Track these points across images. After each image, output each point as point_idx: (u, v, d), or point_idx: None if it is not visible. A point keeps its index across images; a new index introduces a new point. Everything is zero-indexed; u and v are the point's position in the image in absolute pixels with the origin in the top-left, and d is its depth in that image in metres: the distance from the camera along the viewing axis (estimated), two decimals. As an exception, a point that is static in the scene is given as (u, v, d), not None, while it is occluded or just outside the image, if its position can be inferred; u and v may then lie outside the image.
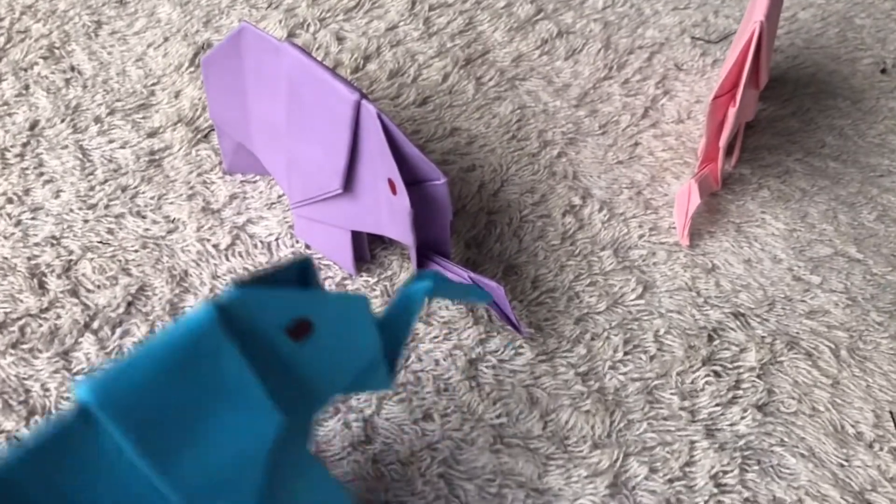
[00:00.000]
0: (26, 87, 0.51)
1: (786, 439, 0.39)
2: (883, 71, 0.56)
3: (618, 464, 0.38)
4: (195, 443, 0.26)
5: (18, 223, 0.44)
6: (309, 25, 0.55)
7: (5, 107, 0.50)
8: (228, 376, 0.25)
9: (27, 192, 0.46)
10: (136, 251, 0.43)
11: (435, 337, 0.41)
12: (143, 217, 0.45)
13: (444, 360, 0.41)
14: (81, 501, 0.26)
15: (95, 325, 0.40)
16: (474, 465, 0.37)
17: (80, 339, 0.40)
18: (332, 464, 0.37)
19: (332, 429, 0.38)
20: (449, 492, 0.37)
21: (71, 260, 0.43)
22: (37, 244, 0.43)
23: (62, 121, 0.49)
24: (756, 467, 0.38)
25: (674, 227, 0.47)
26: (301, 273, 0.29)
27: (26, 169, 0.47)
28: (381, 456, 0.38)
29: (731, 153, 0.50)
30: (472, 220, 0.46)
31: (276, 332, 0.26)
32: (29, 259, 0.43)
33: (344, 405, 0.39)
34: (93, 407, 0.24)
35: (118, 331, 0.40)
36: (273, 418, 0.27)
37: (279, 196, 0.46)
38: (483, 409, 0.39)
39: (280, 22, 0.55)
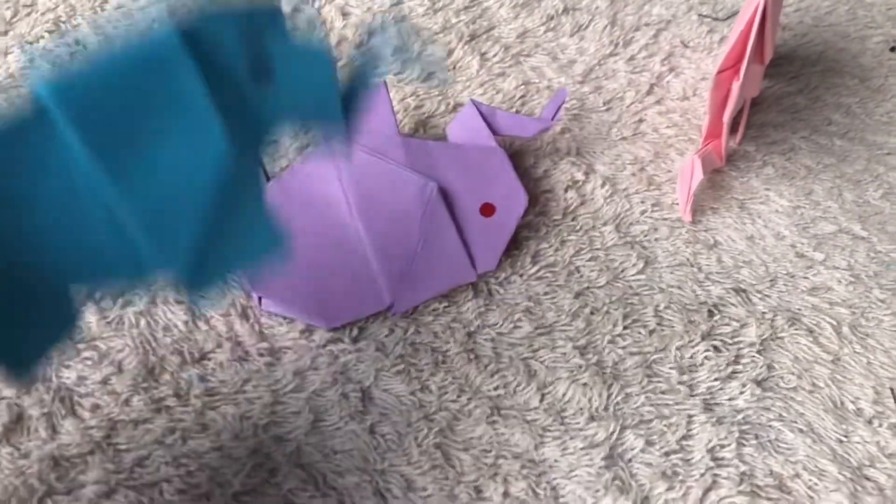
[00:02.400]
0: (31, 62, 0.51)
1: (784, 414, 0.39)
2: (893, 49, 0.56)
3: (614, 436, 0.38)
4: (147, 159, 0.26)
5: (22, 194, 0.44)
6: (314, 1, 0.55)
7: (11, 80, 0.50)
8: (185, 98, 0.26)
9: (31, 163, 0.46)
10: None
11: (434, 309, 0.42)
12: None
13: (443, 332, 0.41)
14: (23, 200, 0.26)
15: (97, 295, 0.41)
16: (470, 435, 0.38)
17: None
18: (329, 433, 0.37)
19: (330, 399, 0.38)
20: (445, 461, 0.37)
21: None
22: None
23: (67, 94, 0.49)
24: (754, 441, 0.38)
25: (676, 204, 0.46)
26: (272, 20, 0.28)
27: (31, 141, 0.47)
28: (378, 426, 0.38)
29: (736, 130, 0.49)
30: (473, 194, 0.46)
31: (237, 65, 0.27)
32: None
33: (342, 376, 0.39)
34: (48, 103, 0.24)
35: (119, 301, 0.41)
36: (220, 144, 0.27)
37: (282, 169, 0.46)
38: (480, 381, 0.39)
39: (285, -3, 0.55)
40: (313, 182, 0.42)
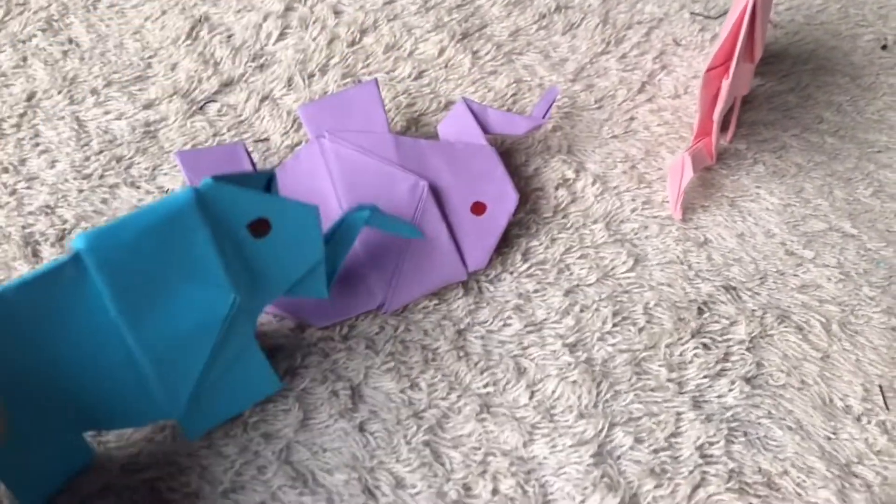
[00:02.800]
0: (24, 59, 0.51)
1: (773, 412, 0.39)
2: (884, 47, 0.56)
3: (603, 433, 0.38)
4: (163, 306, 0.31)
5: (13, 192, 0.45)
6: (306, -1, 0.55)
7: (3, 78, 0.50)
8: (198, 254, 0.31)
9: (23, 161, 0.46)
10: (130, 221, 0.44)
11: (424, 307, 0.42)
12: (137, 187, 0.45)
13: (433, 330, 0.41)
14: (58, 341, 0.31)
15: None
16: (460, 433, 0.38)
17: (73, 307, 0.40)
18: (319, 431, 0.37)
19: (320, 397, 0.38)
20: (434, 459, 0.37)
21: (65, 229, 0.43)
22: (31, 213, 0.44)
23: (59, 92, 0.49)
24: (742, 439, 0.38)
25: (667, 202, 0.46)
26: (267, 183, 0.34)
27: (22, 139, 0.47)
28: (368, 424, 0.38)
29: (726, 128, 0.50)
30: (464, 192, 0.46)
31: (241, 226, 0.32)
32: (23, 227, 0.43)
33: (332, 373, 0.39)
34: (83, 252, 0.29)
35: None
36: (229, 297, 0.32)
37: (272, 168, 0.46)
38: (470, 379, 0.39)
39: (278, -5, 0.55)
40: (303, 179, 0.42)
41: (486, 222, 0.43)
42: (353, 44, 0.53)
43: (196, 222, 0.30)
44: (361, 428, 0.38)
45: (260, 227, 0.33)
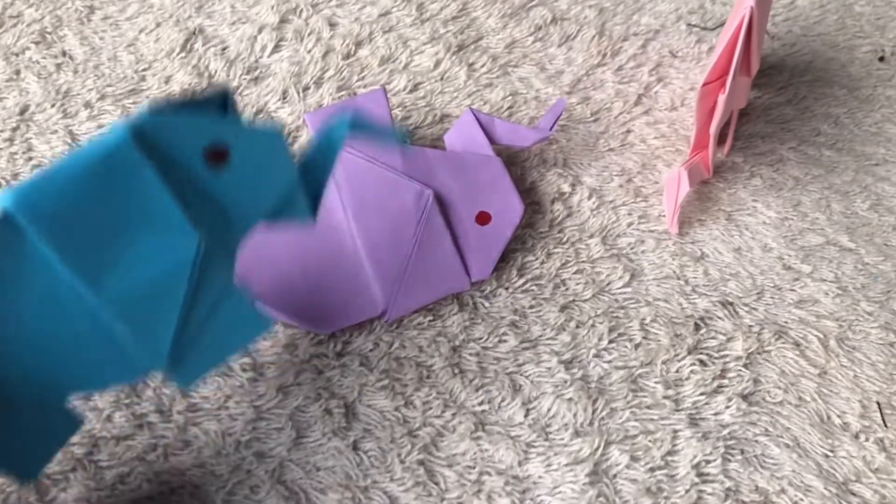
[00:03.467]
0: (17, 72, 0.51)
1: (770, 429, 0.39)
2: (881, 59, 0.56)
3: (599, 452, 0.37)
4: (120, 258, 0.28)
5: (5, 207, 0.44)
6: (301, 11, 0.55)
7: None
8: (147, 197, 0.27)
9: (15, 176, 0.46)
10: (123, 236, 0.43)
11: (419, 324, 0.41)
12: (131, 202, 0.45)
13: (428, 346, 0.40)
14: (11, 312, 0.28)
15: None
16: (454, 452, 0.37)
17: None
18: (312, 450, 0.37)
19: (313, 415, 0.38)
20: (428, 478, 0.36)
21: (57, 244, 0.43)
22: (23, 228, 0.43)
23: (52, 106, 0.49)
24: (739, 457, 0.38)
25: (663, 216, 0.46)
26: (222, 103, 0.30)
27: (15, 153, 0.47)
28: (362, 442, 0.37)
29: (723, 141, 0.49)
30: (459, 206, 0.46)
31: (193, 157, 0.27)
32: (15, 243, 0.43)
33: (326, 391, 0.39)
34: (12, 211, 0.25)
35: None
36: (192, 239, 0.28)
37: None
38: (465, 397, 0.39)
39: (273, 7, 0.55)
40: None
41: (490, 233, 0.43)
42: (348, 56, 0.53)
43: (136, 160, 0.26)
44: (355, 446, 0.37)
45: (218, 156, 0.29)
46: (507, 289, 0.43)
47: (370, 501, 0.36)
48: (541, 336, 0.41)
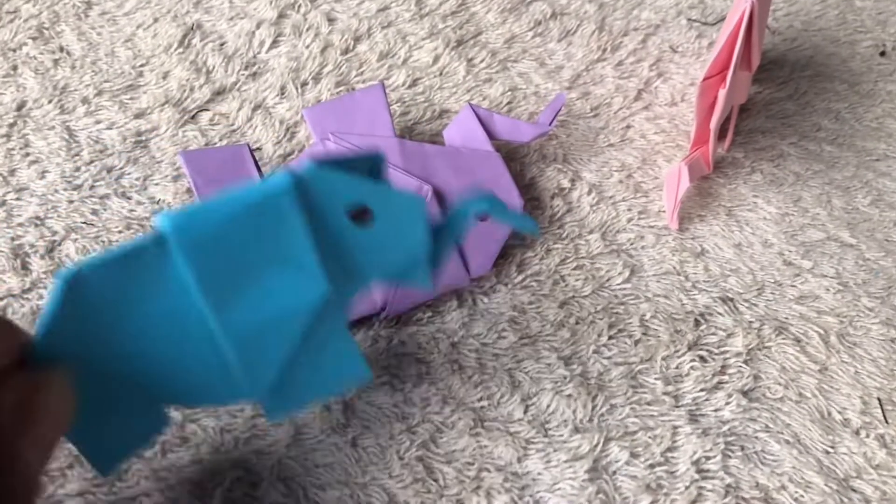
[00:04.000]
0: (14, 68, 0.51)
1: (771, 425, 0.39)
2: (882, 54, 0.55)
3: (598, 448, 0.37)
4: (250, 292, 0.29)
5: (3, 203, 0.44)
6: (300, 6, 0.55)
7: (-8, 87, 0.50)
8: (291, 240, 0.29)
9: (12, 172, 0.45)
10: (120, 232, 0.43)
11: (418, 320, 0.41)
12: (128, 198, 0.45)
13: (427, 343, 0.40)
14: (138, 321, 0.29)
15: (77, 305, 0.40)
16: (453, 448, 0.37)
17: (62, 320, 0.40)
18: (311, 446, 0.37)
19: (312, 411, 0.38)
20: (427, 475, 0.36)
21: (54, 241, 0.43)
22: (20, 224, 0.43)
23: (49, 101, 0.49)
24: (739, 453, 0.38)
25: (663, 211, 0.46)
26: (372, 166, 0.32)
27: (12, 149, 0.46)
28: (360, 439, 0.37)
29: (724, 136, 0.49)
30: (458, 202, 0.45)
31: (340, 212, 0.29)
32: (12, 239, 0.43)
33: (324, 388, 0.39)
34: (167, 234, 0.27)
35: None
36: (320, 286, 0.30)
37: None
38: (464, 393, 0.39)
39: (271, 3, 0.55)
40: None
41: (489, 228, 0.43)
42: (346, 51, 0.53)
43: (291, 208, 0.28)
44: (354, 443, 0.37)
45: (362, 215, 0.30)
46: (506, 285, 0.43)
47: (369, 498, 0.36)
48: (540, 332, 0.41)
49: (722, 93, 0.43)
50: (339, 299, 0.32)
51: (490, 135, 0.45)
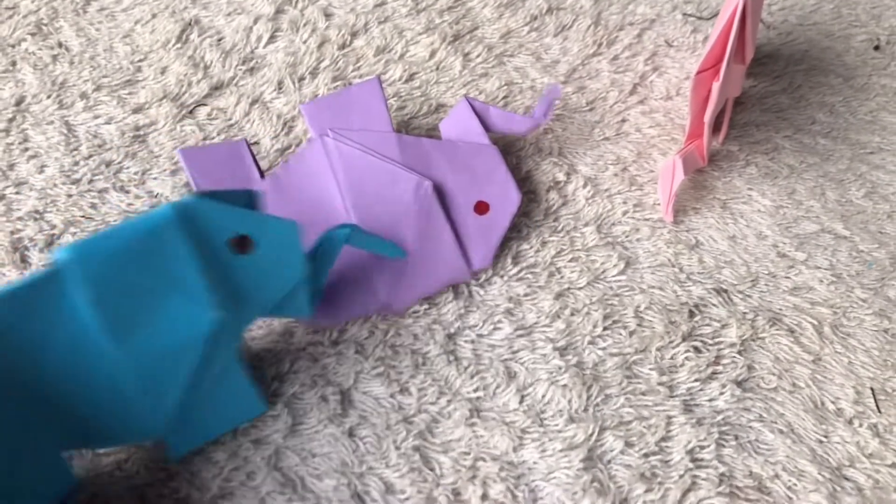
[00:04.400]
0: (13, 64, 0.51)
1: (764, 415, 0.39)
2: (877, 48, 0.56)
3: (593, 438, 0.38)
4: (145, 321, 0.31)
5: (2, 197, 0.44)
6: (297, 2, 0.55)
7: (-9, 82, 0.50)
8: (180, 269, 0.31)
9: (11, 166, 0.46)
10: (119, 226, 0.44)
11: (414, 312, 0.41)
12: (127, 192, 0.45)
13: (423, 334, 0.41)
14: (36, 359, 0.30)
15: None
16: (449, 438, 0.37)
17: (61, 313, 0.40)
18: (308, 436, 0.37)
19: (309, 402, 0.38)
20: (423, 464, 0.37)
21: (53, 234, 0.43)
22: (20, 218, 0.44)
23: (48, 97, 0.49)
24: (733, 442, 0.38)
25: (658, 204, 0.46)
26: (248, 200, 0.34)
27: (11, 144, 0.47)
28: (357, 429, 0.38)
29: (718, 129, 0.49)
30: (454, 195, 0.46)
31: (222, 241, 0.32)
32: (12, 233, 0.43)
33: (322, 379, 0.39)
34: (64, 264, 0.29)
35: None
36: (212, 313, 0.32)
37: (272, 166, 0.46)
38: (460, 384, 0.39)
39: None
40: (307, 178, 0.42)
41: (489, 222, 0.43)
42: (343, 46, 0.53)
43: (177, 237, 0.30)
44: (351, 433, 0.37)
45: (243, 245, 0.33)
46: (502, 277, 0.43)
47: (366, 487, 0.36)
48: (536, 323, 0.41)
49: (716, 86, 0.44)
50: (231, 329, 0.34)
51: (486, 127, 0.45)
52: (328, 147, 0.42)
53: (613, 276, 0.43)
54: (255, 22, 0.54)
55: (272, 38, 0.53)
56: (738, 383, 0.40)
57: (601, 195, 0.46)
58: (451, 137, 0.45)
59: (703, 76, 0.44)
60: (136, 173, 0.46)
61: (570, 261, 0.44)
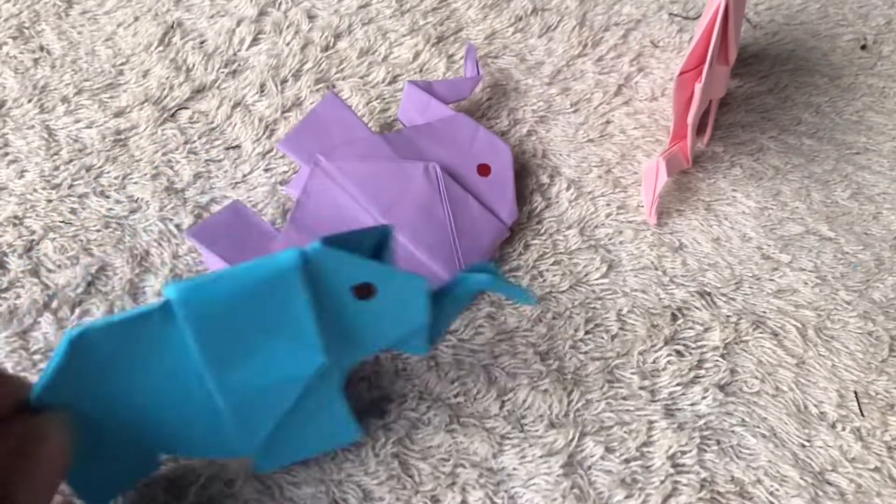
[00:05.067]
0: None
1: (747, 419, 0.39)
2: (863, 47, 0.55)
3: (573, 443, 0.37)
4: (250, 360, 0.30)
5: (-19, 203, 0.44)
6: (281, 4, 0.55)
7: (-29, 87, 0.50)
8: (293, 314, 0.29)
9: (-9, 172, 0.46)
10: (98, 231, 0.43)
11: (395, 316, 0.41)
12: (107, 197, 0.45)
13: (403, 339, 0.40)
14: (139, 379, 0.30)
15: (54, 304, 0.40)
16: (429, 444, 0.37)
17: (39, 319, 0.40)
18: (286, 443, 0.37)
19: (288, 408, 0.38)
20: (402, 471, 0.36)
21: (33, 240, 0.43)
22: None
23: (29, 101, 0.49)
24: (715, 447, 0.38)
25: (642, 206, 0.46)
26: (379, 241, 0.32)
27: (-9, 149, 0.47)
28: (336, 435, 0.37)
29: (703, 131, 0.49)
30: (437, 198, 0.45)
31: (344, 289, 0.30)
32: (-10, 239, 0.43)
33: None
34: (175, 303, 0.28)
35: (77, 311, 0.40)
36: (318, 358, 0.31)
37: (244, 175, 0.46)
38: (440, 389, 0.39)
39: (251, 1, 0.55)
40: (325, 209, 0.42)
41: (496, 179, 0.44)
42: (326, 49, 0.53)
43: (297, 285, 0.29)
44: (329, 440, 0.37)
45: (364, 289, 0.31)
46: (483, 281, 0.43)
47: (344, 495, 0.36)
48: (517, 328, 0.41)
49: (698, 87, 0.43)
50: (337, 367, 0.33)
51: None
52: (328, 170, 0.42)
53: (596, 280, 0.43)
54: (238, 24, 0.53)
55: (255, 41, 0.53)
56: (721, 387, 0.40)
57: (584, 197, 0.46)
58: (416, 122, 0.45)
59: (686, 77, 0.43)
60: (116, 178, 0.46)
61: (553, 264, 0.43)
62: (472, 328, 0.41)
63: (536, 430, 0.38)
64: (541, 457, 0.37)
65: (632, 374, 0.40)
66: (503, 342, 0.40)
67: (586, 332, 0.41)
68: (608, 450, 0.37)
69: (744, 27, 0.55)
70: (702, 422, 0.38)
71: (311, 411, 0.34)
